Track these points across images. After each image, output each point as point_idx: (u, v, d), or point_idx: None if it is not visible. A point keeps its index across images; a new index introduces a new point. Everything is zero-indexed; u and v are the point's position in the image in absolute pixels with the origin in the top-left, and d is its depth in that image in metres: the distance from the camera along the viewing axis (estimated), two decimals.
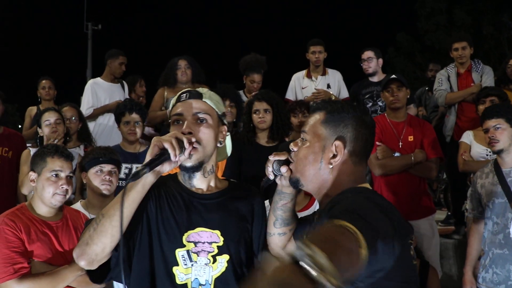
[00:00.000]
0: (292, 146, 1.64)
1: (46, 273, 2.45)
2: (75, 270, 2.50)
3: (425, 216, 3.91)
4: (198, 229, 1.76)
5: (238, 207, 1.86)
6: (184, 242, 1.74)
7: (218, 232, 1.78)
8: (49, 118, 4.06)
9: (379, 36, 30.77)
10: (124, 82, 5.81)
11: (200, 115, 1.80)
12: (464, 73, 5.32)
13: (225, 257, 1.77)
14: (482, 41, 21.42)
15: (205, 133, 1.78)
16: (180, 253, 1.73)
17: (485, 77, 5.21)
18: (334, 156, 1.52)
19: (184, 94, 1.84)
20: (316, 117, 1.59)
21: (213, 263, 1.75)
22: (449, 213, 6.19)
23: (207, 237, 1.76)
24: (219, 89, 4.79)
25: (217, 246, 1.77)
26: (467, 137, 4.38)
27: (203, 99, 1.83)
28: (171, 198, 1.78)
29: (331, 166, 1.52)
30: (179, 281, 1.72)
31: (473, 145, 4.32)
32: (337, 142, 1.51)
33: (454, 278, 4.94)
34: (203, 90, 1.88)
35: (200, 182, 1.83)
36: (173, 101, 1.87)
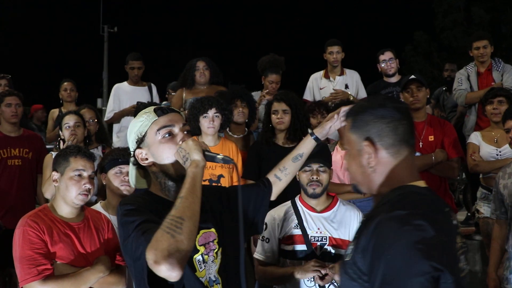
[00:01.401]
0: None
1: (69, 275, 2.47)
2: (97, 272, 2.54)
3: None
4: (201, 232, 1.86)
5: (214, 201, 1.99)
6: (198, 247, 1.83)
7: (213, 230, 1.89)
8: (69, 121, 4.09)
9: (396, 34, 30.53)
10: (152, 85, 5.88)
11: (187, 127, 1.89)
12: (485, 72, 5.28)
13: (220, 249, 1.90)
14: (500, 40, 21.18)
15: None
16: (197, 258, 1.83)
17: (506, 75, 5.15)
18: (369, 157, 1.55)
19: (162, 109, 1.89)
20: (346, 127, 1.63)
21: (216, 258, 1.87)
22: (468, 214, 6.11)
23: (209, 236, 1.88)
24: (230, 89, 4.80)
25: (216, 242, 1.89)
26: (475, 137, 4.33)
27: (180, 113, 1.93)
28: (168, 210, 1.73)
29: (371, 166, 1.54)
30: None
31: (482, 145, 4.27)
32: (365, 143, 1.54)
33: (476, 279, 4.89)
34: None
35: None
36: (148, 116, 1.86)
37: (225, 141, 4.12)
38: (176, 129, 1.84)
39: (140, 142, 1.86)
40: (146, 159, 1.86)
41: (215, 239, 1.88)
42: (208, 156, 1.83)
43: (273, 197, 2.23)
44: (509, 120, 3.33)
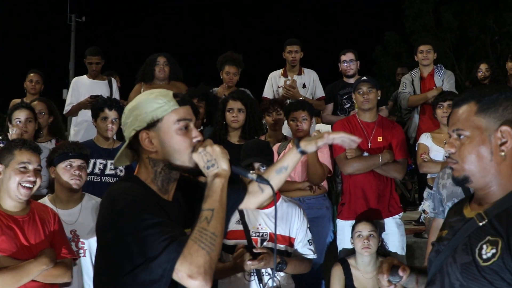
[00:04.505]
0: (448, 148, 1.59)
1: (10, 267, 2.45)
2: (40, 264, 2.52)
3: (391, 215, 3.99)
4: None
5: (186, 198, 1.92)
6: None
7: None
8: (19, 116, 4.02)
9: (368, 34, 30.88)
10: (113, 79, 5.79)
11: (197, 123, 1.85)
12: (427, 76, 5.56)
13: None
14: (467, 43, 21.64)
15: None
16: None
17: (446, 81, 5.46)
18: (503, 143, 1.47)
19: (182, 97, 1.80)
20: (466, 110, 1.53)
21: None
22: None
23: None
24: (198, 88, 4.81)
25: None
26: (426, 138, 4.44)
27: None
28: (162, 206, 1.76)
29: (502, 154, 1.47)
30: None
31: (432, 146, 4.38)
32: (504, 128, 1.46)
33: None
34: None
35: (172, 187, 1.85)
36: (168, 102, 1.76)
37: None
38: (191, 124, 1.79)
39: (151, 125, 1.75)
40: (152, 143, 1.77)
41: None
42: (238, 170, 1.80)
43: (253, 206, 2.17)
44: None
